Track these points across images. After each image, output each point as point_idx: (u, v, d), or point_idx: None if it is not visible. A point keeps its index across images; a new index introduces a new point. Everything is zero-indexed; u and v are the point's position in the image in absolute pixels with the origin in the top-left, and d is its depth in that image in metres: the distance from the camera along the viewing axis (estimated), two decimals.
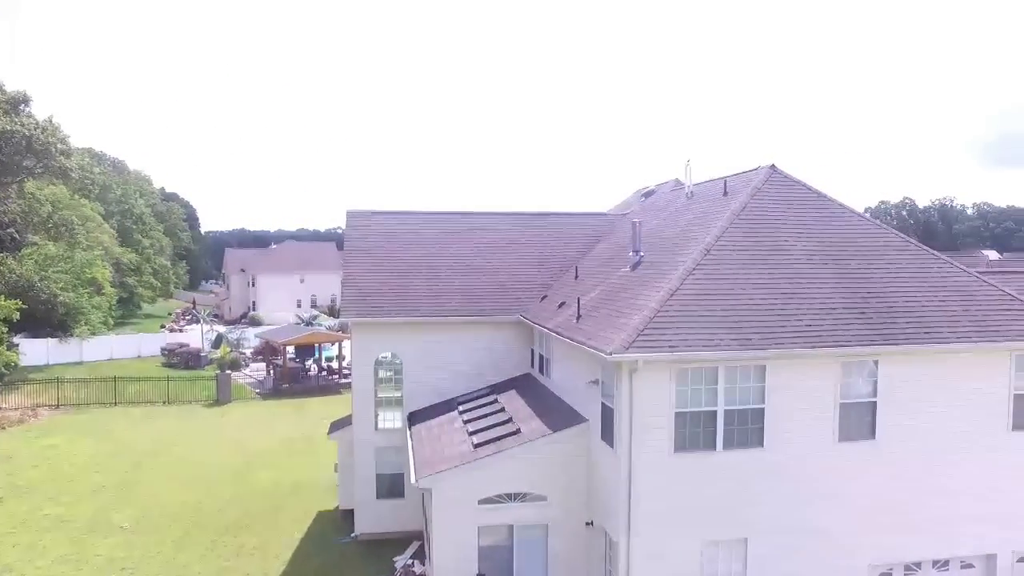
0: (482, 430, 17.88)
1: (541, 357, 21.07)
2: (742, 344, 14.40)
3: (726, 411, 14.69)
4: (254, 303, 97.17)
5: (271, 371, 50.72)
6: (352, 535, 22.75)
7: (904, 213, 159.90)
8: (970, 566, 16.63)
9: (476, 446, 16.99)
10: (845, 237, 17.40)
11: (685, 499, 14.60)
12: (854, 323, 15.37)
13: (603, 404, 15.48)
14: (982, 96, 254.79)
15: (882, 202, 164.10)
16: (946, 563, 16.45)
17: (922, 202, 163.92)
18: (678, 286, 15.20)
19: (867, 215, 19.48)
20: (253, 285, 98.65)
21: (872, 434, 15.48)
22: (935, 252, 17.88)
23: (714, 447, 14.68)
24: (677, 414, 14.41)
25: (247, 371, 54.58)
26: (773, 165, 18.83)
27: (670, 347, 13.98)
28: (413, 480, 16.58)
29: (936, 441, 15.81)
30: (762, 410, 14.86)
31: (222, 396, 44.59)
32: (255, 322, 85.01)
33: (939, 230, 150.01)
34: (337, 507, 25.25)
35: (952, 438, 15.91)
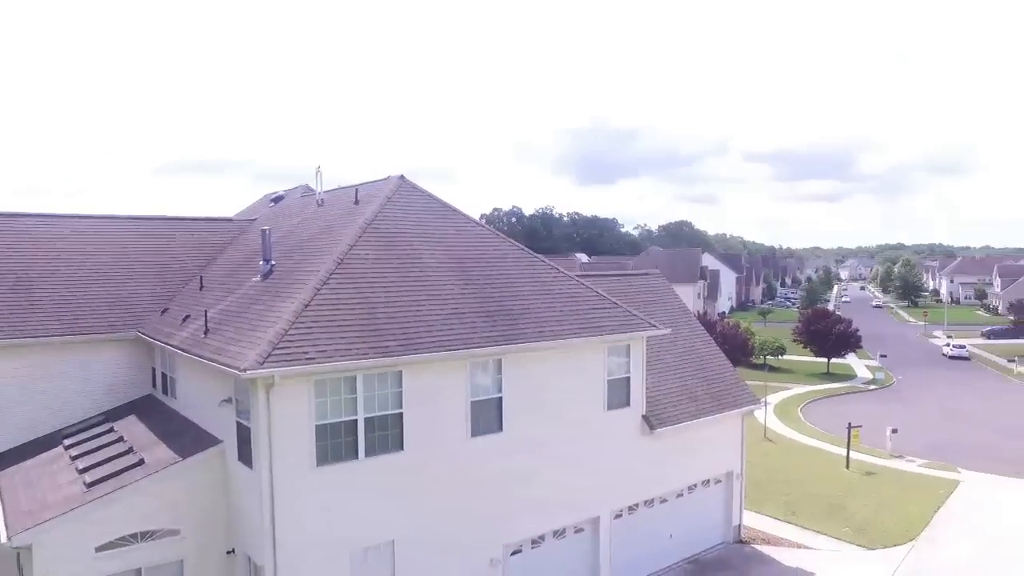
0: (96, 465, 15.67)
1: (164, 376, 19.17)
2: (379, 352, 14.60)
3: (366, 419, 14.78)
4: None
5: None
6: None
7: (513, 219, 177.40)
8: (581, 530, 19.01)
9: (89, 485, 14.83)
10: (470, 246, 18.63)
11: (331, 511, 14.39)
12: (480, 326, 16.51)
13: (238, 423, 14.57)
14: (574, 118, 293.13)
15: (495, 208, 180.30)
16: (563, 531, 18.57)
17: (528, 210, 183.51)
18: (312, 296, 14.91)
19: (486, 225, 21.07)
20: None
21: (500, 427, 16.80)
22: (545, 259, 20.01)
23: (356, 456, 14.68)
24: (318, 427, 14.14)
25: None
26: (402, 176, 19.46)
27: (307, 359, 13.66)
28: (3, 539, 13.88)
29: (552, 426, 17.74)
30: (401, 415, 15.24)
31: None
32: None
33: (542, 235, 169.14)
34: None
35: (564, 422, 18.01)
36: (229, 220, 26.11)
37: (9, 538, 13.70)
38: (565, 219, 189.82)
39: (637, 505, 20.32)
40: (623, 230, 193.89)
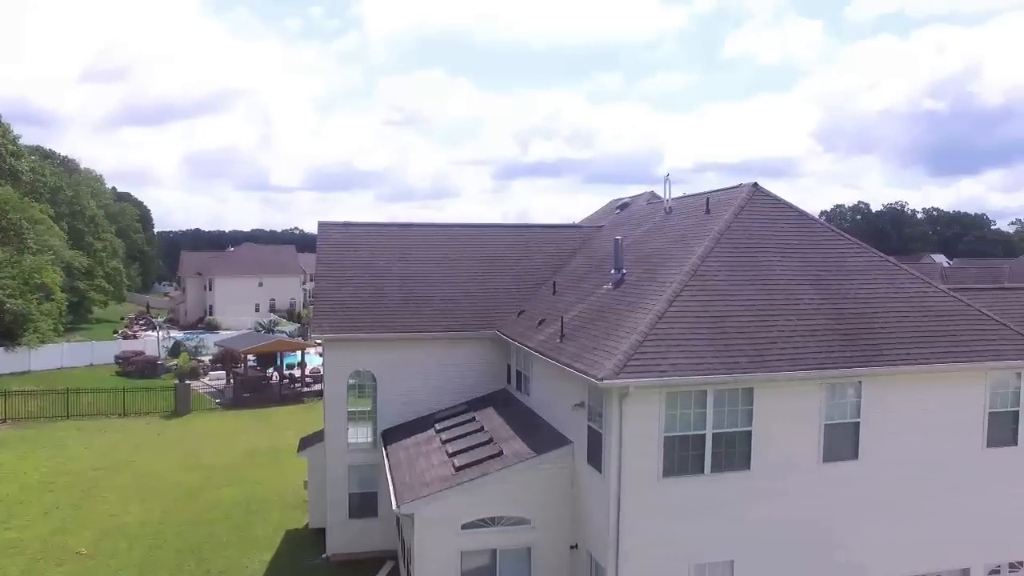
0: (462, 451, 17.51)
1: (519, 374, 20.76)
2: (730, 368, 14.28)
3: (714, 434, 14.57)
4: (211, 307, 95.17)
5: (231, 380, 49.54)
6: (323, 556, 22.17)
7: (858, 217, 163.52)
8: None
9: (457, 469, 16.61)
10: (827, 257, 17.43)
11: (674, 523, 14.44)
12: (838, 345, 15.38)
13: (589, 427, 15.22)
14: (920, 98, 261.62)
15: (837, 205, 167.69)
16: None
17: (876, 206, 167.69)
18: (666, 308, 15.02)
19: (845, 233, 19.49)
20: (210, 289, 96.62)
21: (855, 455, 15.51)
22: (913, 271, 18.02)
23: (702, 471, 14.54)
24: (666, 438, 14.25)
25: (206, 380, 53.26)
26: (756, 184, 18.79)
27: (660, 372, 13.79)
28: (394, 507, 16.13)
29: (916, 459, 15.91)
30: (749, 433, 14.78)
31: (181, 407, 43.39)
32: (212, 327, 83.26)
33: (888, 233, 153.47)
34: (307, 525, 24.63)
35: (931, 456, 16.03)
36: (577, 227, 27.49)
37: (398, 506, 15.94)
38: (920, 215, 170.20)
39: None
40: (994, 227, 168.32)
